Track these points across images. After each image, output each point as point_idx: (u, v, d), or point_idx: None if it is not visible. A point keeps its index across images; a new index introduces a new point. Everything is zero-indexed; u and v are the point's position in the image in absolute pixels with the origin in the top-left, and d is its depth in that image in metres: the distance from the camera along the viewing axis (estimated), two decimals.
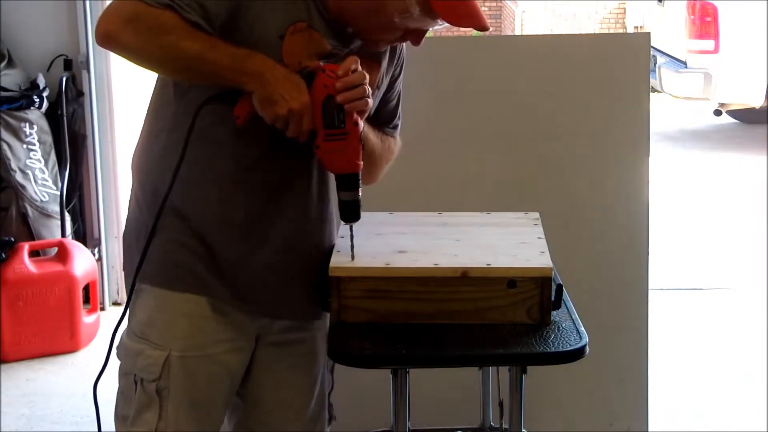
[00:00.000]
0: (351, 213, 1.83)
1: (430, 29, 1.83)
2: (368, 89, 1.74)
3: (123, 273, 1.97)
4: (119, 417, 1.87)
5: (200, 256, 1.83)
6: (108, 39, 1.68)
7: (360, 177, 1.80)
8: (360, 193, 1.81)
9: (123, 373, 1.86)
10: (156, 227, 1.79)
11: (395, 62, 1.96)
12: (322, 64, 1.74)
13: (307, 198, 1.89)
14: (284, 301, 1.90)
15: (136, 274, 1.83)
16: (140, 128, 1.91)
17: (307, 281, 1.90)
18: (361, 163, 1.78)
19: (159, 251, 1.82)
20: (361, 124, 1.77)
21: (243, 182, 1.82)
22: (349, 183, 1.80)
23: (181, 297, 1.83)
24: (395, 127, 2.04)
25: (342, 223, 1.87)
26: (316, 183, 1.90)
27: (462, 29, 1.93)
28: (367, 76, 1.74)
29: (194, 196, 1.82)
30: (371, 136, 1.92)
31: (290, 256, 1.88)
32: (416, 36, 1.83)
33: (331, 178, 1.88)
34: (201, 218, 1.82)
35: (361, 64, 1.75)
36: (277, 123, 1.71)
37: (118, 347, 1.87)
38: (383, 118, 1.99)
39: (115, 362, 1.87)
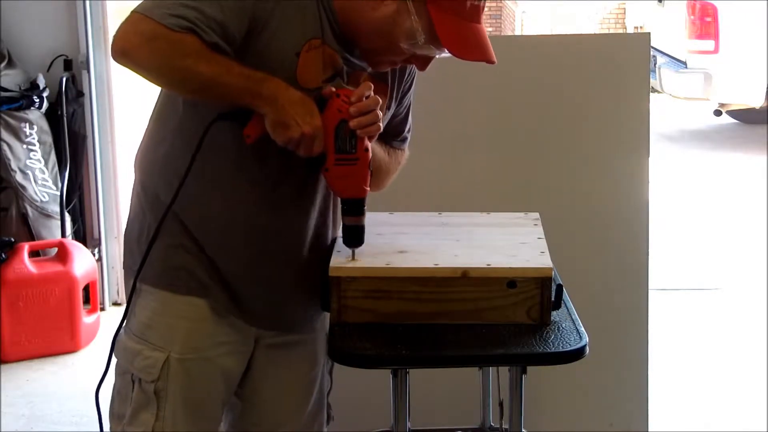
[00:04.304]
0: (354, 238, 1.84)
1: (437, 56, 1.82)
2: (380, 114, 1.75)
3: (123, 273, 1.97)
4: (115, 415, 1.88)
5: (201, 260, 1.83)
6: (124, 56, 1.67)
7: (365, 203, 1.81)
8: (364, 219, 1.82)
9: (120, 372, 1.86)
10: (158, 231, 1.79)
11: (406, 77, 1.96)
12: (334, 89, 1.74)
13: (311, 213, 1.89)
14: (278, 314, 1.91)
15: (137, 275, 1.83)
16: (145, 128, 1.91)
17: (304, 296, 1.91)
18: (368, 189, 1.79)
19: (160, 253, 1.82)
20: (371, 149, 1.77)
21: (248, 196, 1.82)
22: (354, 208, 1.81)
23: (181, 299, 1.83)
24: (404, 140, 2.04)
25: (342, 224, 1.87)
26: (320, 199, 1.90)
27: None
28: (380, 101, 1.75)
29: (196, 206, 1.81)
30: (378, 151, 1.92)
31: (289, 269, 1.88)
32: (422, 61, 1.83)
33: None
34: (202, 228, 1.82)
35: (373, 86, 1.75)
36: (289, 145, 1.71)
37: (116, 346, 1.87)
38: (392, 132, 1.99)
39: (114, 362, 1.88)
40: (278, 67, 1.72)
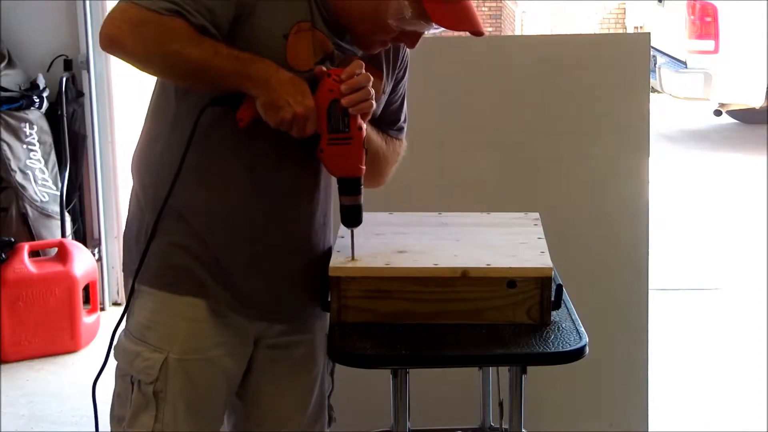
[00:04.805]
0: (352, 218, 1.83)
1: (426, 32, 1.82)
2: (372, 91, 1.74)
3: (123, 274, 1.97)
4: (115, 418, 1.87)
5: (200, 259, 1.82)
6: (113, 44, 1.67)
7: (362, 182, 1.80)
8: (362, 198, 1.81)
9: (120, 375, 1.86)
10: (156, 229, 1.79)
11: (399, 64, 1.96)
12: (325, 69, 1.74)
13: (313, 202, 1.89)
14: (282, 306, 1.90)
15: (136, 275, 1.83)
16: (141, 128, 1.91)
17: (306, 286, 1.90)
18: (364, 167, 1.78)
19: (159, 253, 1.81)
20: (365, 128, 1.77)
21: (246, 184, 1.81)
22: (351, 187, 1.80)
23: (180, 300, 1.83)
24: (400, 129, 2.03)
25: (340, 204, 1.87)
26: (322, 186, 1.90)
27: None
28: (371, 78, 1.74)
29: (196, 199, 1.81)
30: (375, 138, 1.92)
31: (292, 260, 1.88)
32: (411, 39, 1.83)
33: (334, 182, 1.88)
34: (202, 221, 1.82)
35: (365, 69, 1.75)
36: (282, 126, 1.71)
37: (115, 348, 1.87)
38: (387, 121, 1.99)
39: (114, 362, 1.87)
40: (267, 50, 1.72)
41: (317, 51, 1.78)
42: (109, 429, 1.89)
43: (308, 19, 1.77)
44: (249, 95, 1.70)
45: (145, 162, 1.88)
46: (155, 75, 1.78)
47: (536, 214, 2.17)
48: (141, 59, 1.69)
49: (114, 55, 1.71)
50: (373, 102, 1.76)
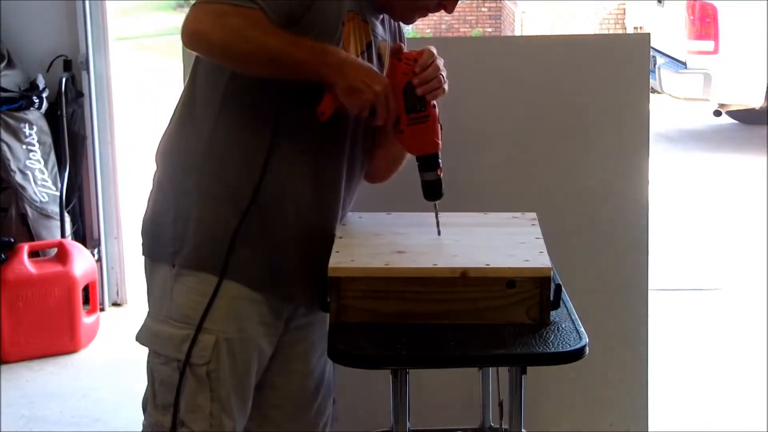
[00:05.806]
0: (434, 192, 1.90)
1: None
2: (444, 74, 1.83)
3: (121, 272, 1.98)
4: (159, 407, 1.88)
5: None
6: (196, 37, 1.74)
7: (440, 156, 1.86)
8: (441, 172, 1.87)
9: (160, 363, 1.87)
10: (241, 222, 1.83)
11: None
12: (395, 53, 1.82)
13: (349, 190, 1.96)
14: (310, 288, 1.93)
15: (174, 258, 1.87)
16: (170, 118, 1.93)
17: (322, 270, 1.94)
18: (440, 142, 1.85)
19: (198, 237, 1.85)
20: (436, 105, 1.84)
21: (302, 168, 1.87)
22: (431, 163, 1.87)
23: (225, 283, 1.85)
24: None
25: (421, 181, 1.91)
26: (356, 177, 1.97)
27: (461, 30, 1.98)
28: (442, 63, 1.83)
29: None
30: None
31: (323, 246, 1.92)
32: (450, 2, 1.91)
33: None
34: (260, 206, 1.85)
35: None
36: (364, 111, 1.76)
37: (142, 336, 1.88)
38: None
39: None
40: (327, 37, 1.78)
41: (361, 39, 1.85)
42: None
43: (356, 8, 1.84)
44: (327, 88, 1.75)
45: (178, 147, 1.90)
46: (236, 65, 1.80)
47: (533, 214, 2.17)
48: (223, 48, 1.74)
49: (196, 50, 1.77)
50: (446, 86, 1.83)
